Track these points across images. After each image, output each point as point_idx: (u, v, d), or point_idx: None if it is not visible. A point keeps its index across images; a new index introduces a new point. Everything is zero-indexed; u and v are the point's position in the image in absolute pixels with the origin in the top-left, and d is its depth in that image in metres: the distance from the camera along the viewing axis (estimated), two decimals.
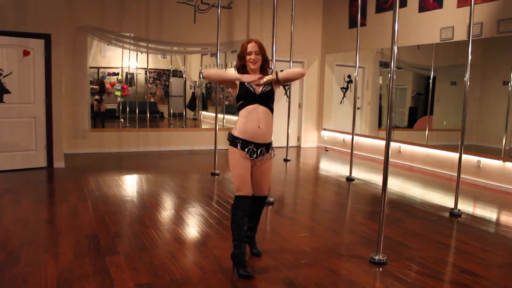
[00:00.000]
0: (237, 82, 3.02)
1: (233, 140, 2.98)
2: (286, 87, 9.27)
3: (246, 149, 2.95)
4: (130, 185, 5.89)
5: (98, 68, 12.26)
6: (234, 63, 11.07)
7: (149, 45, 8.50)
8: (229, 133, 3.04)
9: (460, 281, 3.04)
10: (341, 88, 9.69)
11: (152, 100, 13.25)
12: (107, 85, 11.74)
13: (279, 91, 9.82)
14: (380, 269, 3.20)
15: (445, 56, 7.41)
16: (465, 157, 5.76)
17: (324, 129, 9.90)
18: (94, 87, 10.36)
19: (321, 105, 10.01)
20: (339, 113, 9.65)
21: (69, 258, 3.20)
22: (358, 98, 8.52)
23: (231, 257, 2.99)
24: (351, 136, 6.47)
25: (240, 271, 2.92)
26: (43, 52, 6.30)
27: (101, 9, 7.86)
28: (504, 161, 6.01)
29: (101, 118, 10.30)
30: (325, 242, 3.74)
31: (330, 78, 9.79)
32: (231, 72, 3.15)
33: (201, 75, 3.13)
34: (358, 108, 8.72)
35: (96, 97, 10.40)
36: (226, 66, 10.09)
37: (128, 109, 9.99)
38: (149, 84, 12.98)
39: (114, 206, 4.62)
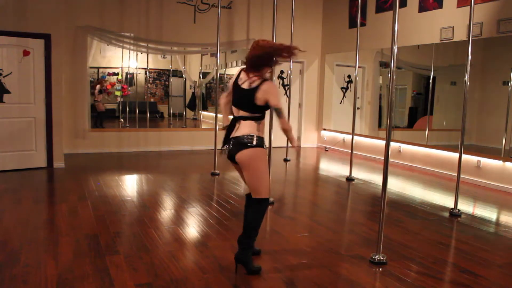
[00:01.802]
0: None
1: (262, 141, 2.94)
2: (286, 87, 9.27)
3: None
4: (130, 185, 5.89)
5: (98, 68, 12.27)
6: (234, 63, 11.09)
7: (149, 45, 8.50)
8: (253, 135, 2.90)
9: (460, 281, 3.04)
10: (341, 88, 9.69)
11: (152, 100, 13.26)
12: (107, 85, 11.75)
13: (279, 92, 9.78)
14: (380, 269, 3.20)
15: (445, 56, 7.42)
16: (465, 157, 5.77)
17: (324, 129, 9.91)
18: (97, 88, 10.33)
19: (321, 105, 10.01)
20: (339, 113, 9.65)
21: (69, 258, 3.20)
22: (358, 98, 8.52)
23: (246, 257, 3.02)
24: (351, 136, 6.48)
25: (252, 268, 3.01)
26: (43, 52, 6.30)
27: (101, 9, 7.86)
28: (504, 161, 6.01)
29: (101, 118, 10.28)
30: (325, 242, 3.74)
31: (330, 78, 9.79)
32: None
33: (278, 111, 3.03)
34: (358, 108, 8.73)
35: (98, 98, 10.39)
36: (226, 67, 10.09)
37: (128, 109, 9.99)
38: (149, 84, 12.98)
39: (114, 206, 4.62)
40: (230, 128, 3.00)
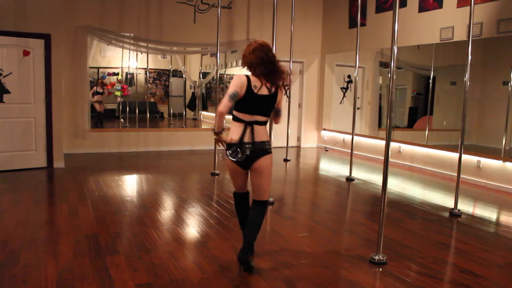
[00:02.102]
0: None
1: None
2: (286, 87, 9.26)
3: None
4: (130, 185, 5.89)
5: (98, 68, 12.27)
6: (234, 63, 11.09)
7: (149, 45, 8.50)
8: (270, 141, 3.03)
9: (460, 281, 3.04)
10: (341, 88, 9.69)
11: (152, 100, 13.26)
12: (107, 85, 11.76)
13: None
14: (380, 269, 3.20)
15: (445, 56, 7.42)
16: (465, 157, 5.77)
17: (324, 129, 9.90)
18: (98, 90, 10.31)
19: (321, 105, 10.01)
20: (339, 113, 9.65)
21: (69, 258, 3.20)
22: (358, 98, 8.52)
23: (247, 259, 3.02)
24: (351, 136, 6.48)
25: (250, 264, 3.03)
26: (43, 52, 6.30)
27: (101, 9, 7.86)
28: (504, 161, 6.01)
29: (100, 119, 10.27)
30: (325, 242, 3.74)
31: (330, 78, 9.79)
32: None
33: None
34: (358, 108, 8.73)
35: (93, 98, 10.37)
36: (226, 67, 10.09)
37: (128, 109, 9.99)
38: (149, 84, 12.98)
39: (114, 206, 4.62)
40: (243, 133, 2.92)
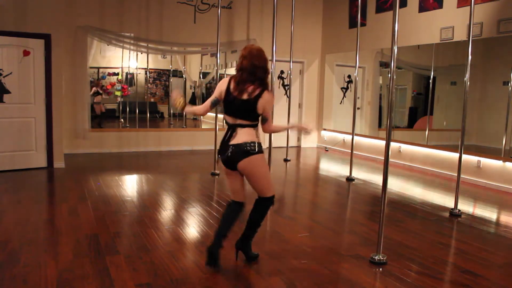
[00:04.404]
0: None
1: (261, 147, 2.98)
2: (286, 87, 9.27)
3: None
4: (130, 185, 5.89)
5: (98, 68, 12.27)
6: (234, 63, 11.09)
7: (149, 45, 8.50)
8: (254, 142, 2.92)
9: (460, 281, 3.04)
10: (341, 88, 9.69)
11: (152, 100, 13.25)
12: (107, 85, 11.75)
13: (279, 91, 9.73)
14: (380, 269, 3.20)
15: (445, 56, 7.41)
16: (465, 157, 5.76)
17: (324, 129, 9.90)
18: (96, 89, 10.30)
19: (321, 105, 10.01)
20: (339, 113, 9.65)
21: (69, 258, 3.20)
22: (358, 98, 8.52)
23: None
24: (351, 136, 6.48)
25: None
26: (43, 52, 6.30)
27: (101, 9, 7.86)
28: (504, 161, 6.01)
29: (99, 120, 10.24)
30: (325, 242, 3.74)
31: (330, 78, 9.79)
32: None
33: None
34: (358, 108, 8.72)
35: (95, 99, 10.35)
36: (226, 67, 10.09)
37: (128, 109, 9.98)
38: (149, 84, 12.98)
39: (114, 206, 4.62)
40: (226, 135, 3.00)
